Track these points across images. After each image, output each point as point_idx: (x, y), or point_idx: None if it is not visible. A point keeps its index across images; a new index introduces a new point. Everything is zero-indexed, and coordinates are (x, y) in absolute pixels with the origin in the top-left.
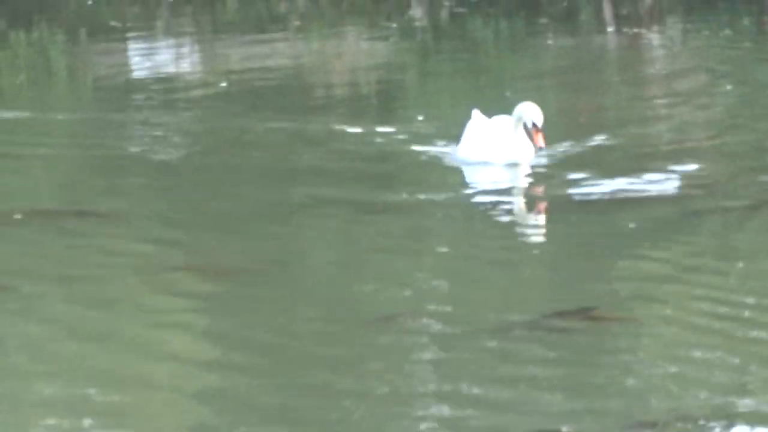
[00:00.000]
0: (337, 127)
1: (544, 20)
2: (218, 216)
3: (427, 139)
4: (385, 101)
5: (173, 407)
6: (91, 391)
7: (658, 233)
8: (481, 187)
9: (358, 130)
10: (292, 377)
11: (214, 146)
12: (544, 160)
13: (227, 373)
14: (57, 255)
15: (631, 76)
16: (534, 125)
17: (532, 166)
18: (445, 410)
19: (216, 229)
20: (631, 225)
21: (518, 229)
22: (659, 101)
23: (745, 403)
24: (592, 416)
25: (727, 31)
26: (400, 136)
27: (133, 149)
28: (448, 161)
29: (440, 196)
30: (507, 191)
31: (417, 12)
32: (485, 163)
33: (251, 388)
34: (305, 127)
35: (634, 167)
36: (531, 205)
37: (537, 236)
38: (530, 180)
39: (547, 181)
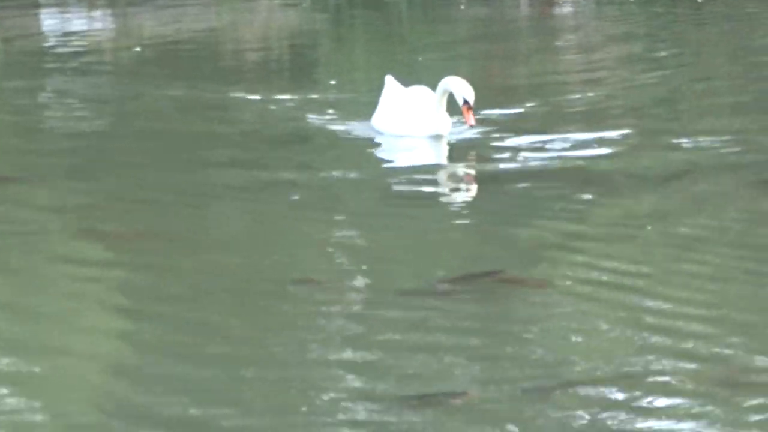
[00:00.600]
0: (249, 95)
1: None
2: (126, 183)
3: (339, 106)
4: (297, 68)
5: (83, 376)
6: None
7: (573, 200)
8: (395, 159)
9: (269, 96)
10: (199, 345)
11: (125, 113)
12: (461, 131)
13: (137, 341)
14: None
15: (544, 45)
16: (465, 102)
17: (450, 138)
18: (350, 376)
19: (124, 196)
20: (546, 192)
21: (432, 200)
22: (573, 69)
23: (640, 369)
24: (493, 382)
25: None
26: (312, 104)
27: (44, 115)
28: (362, 131)
29: (353, 168)
30: (423, 164)
31: None
32: (402, 136)
33: (160, 356)
34: (217, 94)
35: (550, 134)
36: (449, 176)
37: (452, 205)
38: (448, 151)
39: (464, 151)
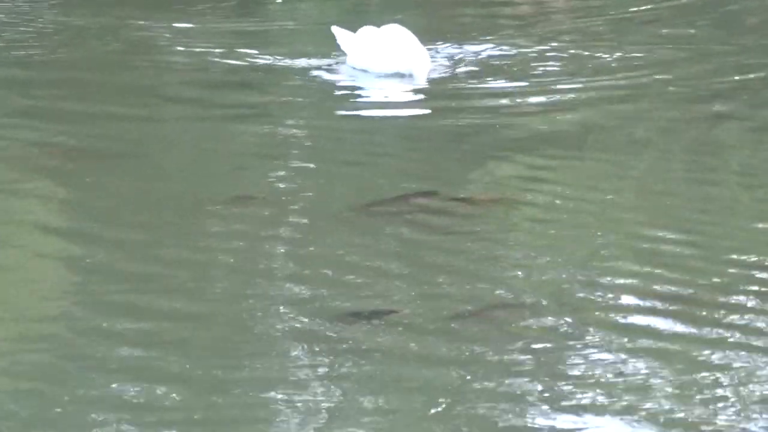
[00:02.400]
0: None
1: None
2: (73, 102)
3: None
4: None
5: (35, 284)
6: None
7: (531, 145)
8: (364, 94)
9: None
10: (148, 248)
11: (71, 37)
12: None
13: (77, 262)
14: None
15: None
16: None
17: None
18: (290, 291)
19: (72, 114)
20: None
21: (385, 122)
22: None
23: (578, 295)
24: (427, 301)
25: None
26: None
27: None
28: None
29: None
30: (389, 97)
31: None
32: (381, 73)
33: (103, 279)
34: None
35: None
36: (410, 103)
37: (405, 130)
38: (421, 88)
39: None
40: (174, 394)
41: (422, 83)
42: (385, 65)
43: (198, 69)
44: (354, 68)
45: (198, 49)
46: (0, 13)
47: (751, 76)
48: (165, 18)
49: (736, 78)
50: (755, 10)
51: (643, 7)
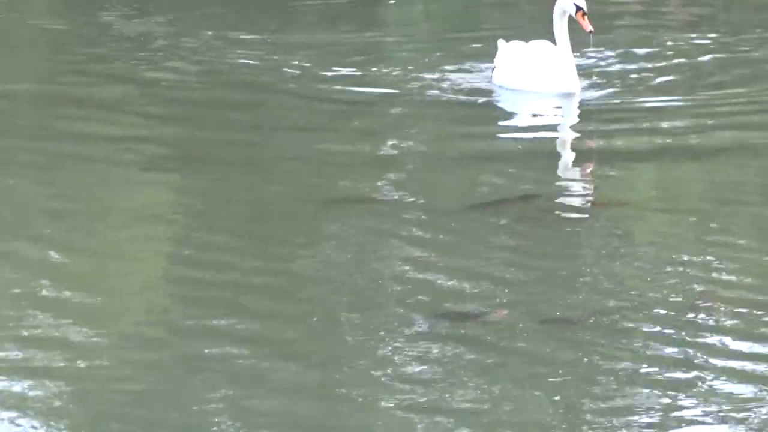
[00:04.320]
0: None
1: None
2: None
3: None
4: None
5: (146, 285)
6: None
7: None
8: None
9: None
10: (259, 255)
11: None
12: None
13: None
14: None
15: None
16: (578, 8)
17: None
18: (391, 290)
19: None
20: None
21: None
22: None
23: (681, 311)
24: (522, 306)
25: None
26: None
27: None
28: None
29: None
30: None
31: None
32: (529, 92)
33: (206, 276)
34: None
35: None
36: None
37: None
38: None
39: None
40: (279, 395)
41: (575, 103)
42: (537, 85)
43: (326, 87)
44: (501, 87)
45: (324, 69)
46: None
47: None
48: (279, 31)
49: None
50: None
51: None
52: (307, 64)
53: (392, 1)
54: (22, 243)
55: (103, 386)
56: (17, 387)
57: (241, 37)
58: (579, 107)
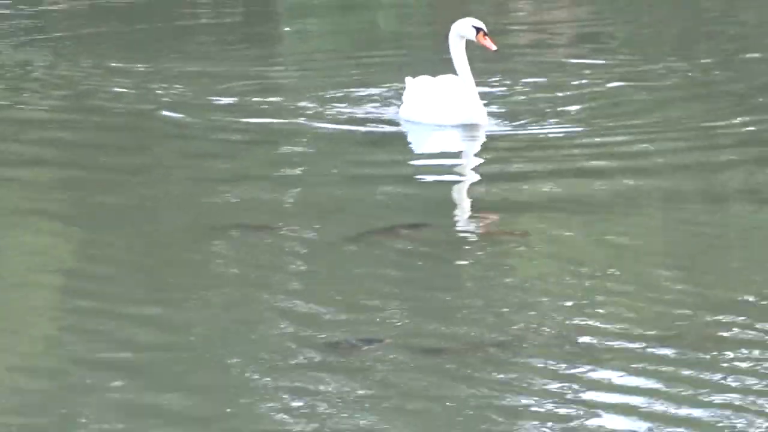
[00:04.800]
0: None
1: None
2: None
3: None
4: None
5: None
6: None
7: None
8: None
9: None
10: (146, 285)
11: None
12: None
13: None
14: None
15: None
16: (478, 30)
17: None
18: (283, 319)
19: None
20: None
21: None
22: None
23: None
24: (407, 336)
25: None
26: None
27: None
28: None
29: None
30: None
31: None
32: (436, 125)
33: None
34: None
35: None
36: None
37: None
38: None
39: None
40: (166, 425)
41: (481, 134)
42: (442, 117)
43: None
44: (407, 120)
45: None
46: None
47: None
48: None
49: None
50: None
51: None
52: (201, 94)
53: (287, 29)
54: None
55: None
56: None
57: (118, 65)
58: (482, 138)
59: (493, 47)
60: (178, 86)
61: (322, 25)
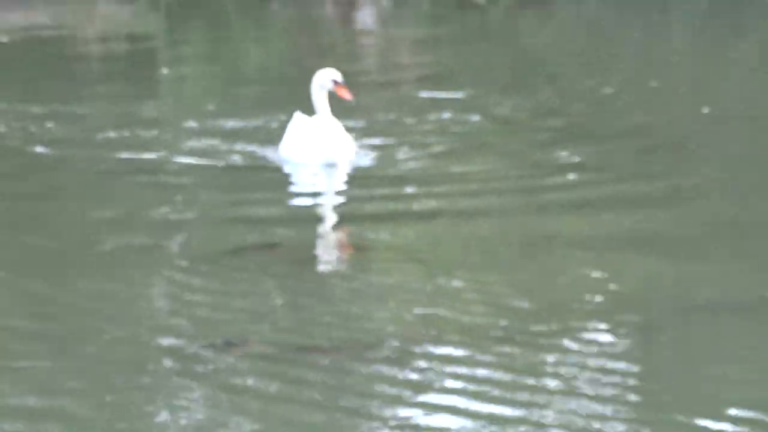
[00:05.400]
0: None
1: None
2: None
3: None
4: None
5: None
6: None
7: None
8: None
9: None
10: (31, 307)
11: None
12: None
13: None
14: None
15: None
16: (335, 82)
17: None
18: (168, 327)
19: None
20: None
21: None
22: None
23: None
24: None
25: (426, 3)
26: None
27: None
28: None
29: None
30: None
31: None
32: (301, 163)
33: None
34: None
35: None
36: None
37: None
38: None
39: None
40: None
41: (342, 173)
42: (308, 155)
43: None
44: (282, 157)
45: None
46: None
47: None
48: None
49: None
50: None
51: None
52: (87, 130)
53: (165, 71)
54: None
55: None
56: None
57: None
58: (340, 172)
59: (349, 97)
60: (52, 124)
61: (196, 68)
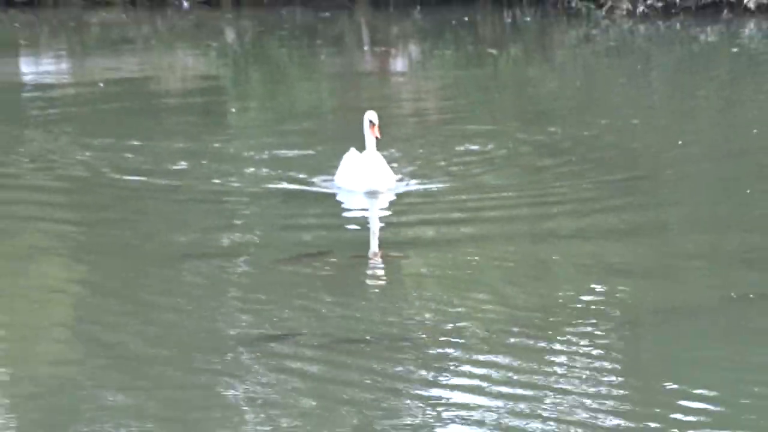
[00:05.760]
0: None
1: (319, 41)
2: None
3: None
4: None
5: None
6: None
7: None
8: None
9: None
10: (129, 301)
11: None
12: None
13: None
14: None
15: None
16: (371, 122)
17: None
18: (233, 320)
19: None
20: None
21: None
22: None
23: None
24: (319, 330)
25: (449, 52)
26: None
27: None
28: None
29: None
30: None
31: (230, 35)
32: (348, 191)
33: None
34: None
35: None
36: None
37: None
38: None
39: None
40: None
41: (383, 199)
42: (355, 184)
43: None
44: (337, 186)
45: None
46: None
47: None
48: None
49: None
50: None
51: None
52: (164, 161)
53: (233, 109)
54: None
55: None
56: None
57: (95, 141)
58: (381, 198)
59: (377, 136)
60: (137, 156)
61: (258, 107)
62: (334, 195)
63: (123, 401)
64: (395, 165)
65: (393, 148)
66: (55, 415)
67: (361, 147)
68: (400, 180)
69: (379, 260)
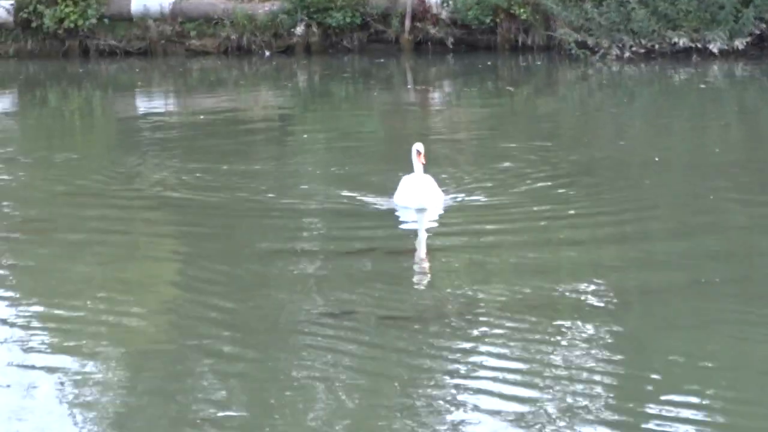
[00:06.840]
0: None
1: (373, 81)
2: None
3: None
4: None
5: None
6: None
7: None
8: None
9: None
10: (229, 290)
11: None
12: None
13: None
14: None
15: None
16: (418, 152)
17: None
18: (307, 297)
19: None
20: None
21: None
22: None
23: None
24: (372, 308)
25: (476, 89)
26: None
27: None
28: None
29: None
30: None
31: (302, 77)
32: (404, 207)
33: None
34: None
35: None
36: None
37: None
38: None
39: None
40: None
41: (431, 215)
42: (409, 202)
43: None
44: (396, 204)
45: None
46: None
47: None
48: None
49: None
50: None
51: None
52: (248, 181)
53: (304, 136)
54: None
55: (116, 389)
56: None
57: (199, 166)
58: (429, 213)
59: (423, 162)
60: (227, 178)
61: (324, 134)
62: (389, 211)
63: (224, 368)
64: (443, 185)
65: (436, 167)
66: (170, 383)
67: (407, 168)
68: (445, 198)
69: (421, 257)
